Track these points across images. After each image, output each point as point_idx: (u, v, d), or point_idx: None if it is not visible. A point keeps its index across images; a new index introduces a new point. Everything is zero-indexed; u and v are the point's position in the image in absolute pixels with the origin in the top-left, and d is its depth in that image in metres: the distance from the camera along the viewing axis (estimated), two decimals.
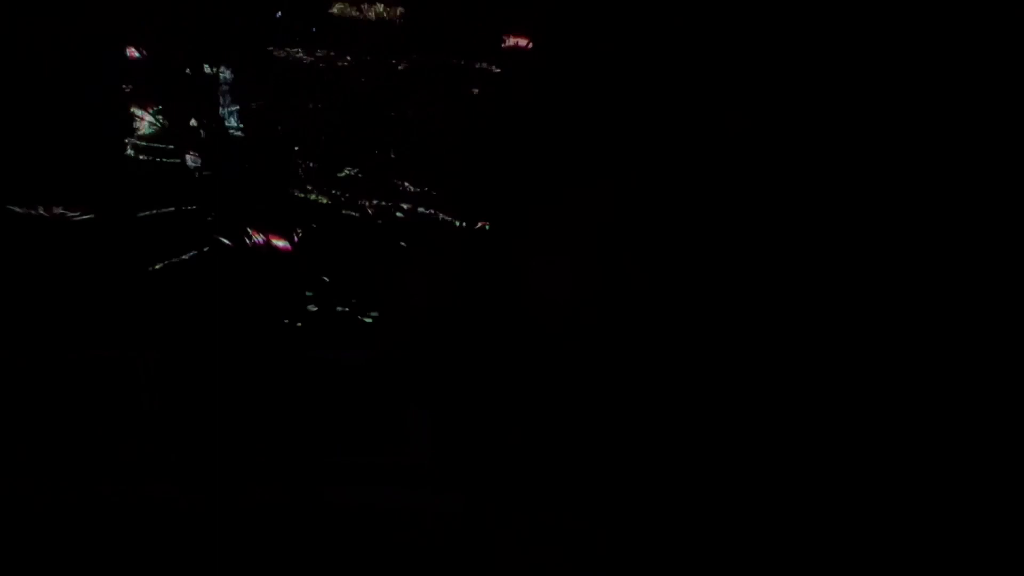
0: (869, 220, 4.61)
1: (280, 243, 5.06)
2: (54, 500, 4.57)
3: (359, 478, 4.68)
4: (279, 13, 5.20)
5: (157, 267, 4.99)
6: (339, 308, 5.01)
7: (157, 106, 5.18)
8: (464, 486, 4.62)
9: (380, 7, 5.21)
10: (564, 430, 4.66)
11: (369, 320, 4.99)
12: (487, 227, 5.03)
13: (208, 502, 4.55)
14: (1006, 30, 4.57)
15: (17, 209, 5.02)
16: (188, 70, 5.18)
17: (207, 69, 5.19)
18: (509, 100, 5.12)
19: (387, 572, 4.33)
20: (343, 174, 5.18)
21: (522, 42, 5.13)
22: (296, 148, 5.20)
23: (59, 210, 5.03)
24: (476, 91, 5.16)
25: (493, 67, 5.15)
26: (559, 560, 4.27)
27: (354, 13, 5.22)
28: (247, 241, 5.03)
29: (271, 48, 5.20)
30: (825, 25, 4.71)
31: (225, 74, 5.19)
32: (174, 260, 5.00)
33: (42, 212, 5.02)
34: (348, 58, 5.19)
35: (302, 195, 5.15)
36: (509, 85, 5.12)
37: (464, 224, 5.05)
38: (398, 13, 5.19)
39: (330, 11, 5.21)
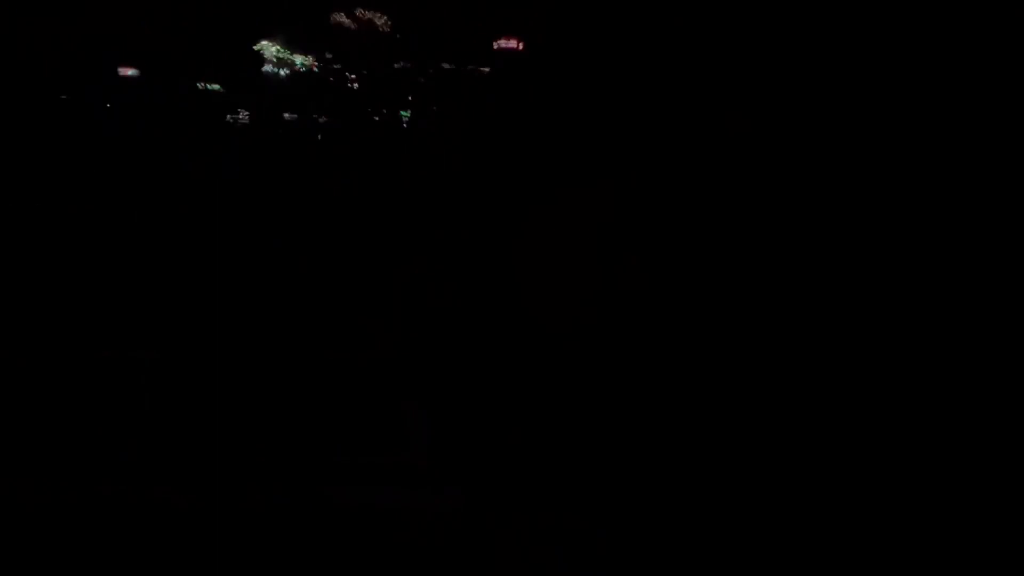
0: (868, 220, 4.61)
1: (280, 244, 5.06)
2: (55, 500, 4.57)
3: (359, 478, 4.68)
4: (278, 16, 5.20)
5: (157, 268, 4.99)
6: (339, 308, 5.01)
7: (158, 107, 5.18)
8: (464, 486, 4.62)
9: (379, 16, 5.22)
10: (564, 430, 4.66)
11: (369, 320, 4.99)
12: (487, 227, 5.03)
13: (208, 502, 4.54)
14: (1005, 30, 4.57)
15: (17, 210, 5.02)
16: (187, 71, 5.18)
17: (206, 70, 5.19)
18: (509, 101, 5.12)
19: (387, 572, 4.33)
20: (342, 174, 5.19)
21: (522, 43, 5.13)
22: (295, 149, 5.20)
23: (59, 211, 5.03)
24: (476, 91, 5.17)
25: (494, 67, 5.16)
26: (559, 560, 4.27)
27: (349, 22, 5.23)
28: (247, 242, 5.03)
29: (269, 47, 5.21)
30: (824, 27, 4.71)
31: (225, 76, 5.19)
32: (174, 261, 5.00)
33: (42, 213, 5.02)
34: (346, 59, 5.19)
35: (301, 195, 5.15)
36: (509, 86, 5.12)
37: (464, 224, 5.05)
38: (397, 17, 5.20)
39: (329, 15, 5.22)
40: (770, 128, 4.73)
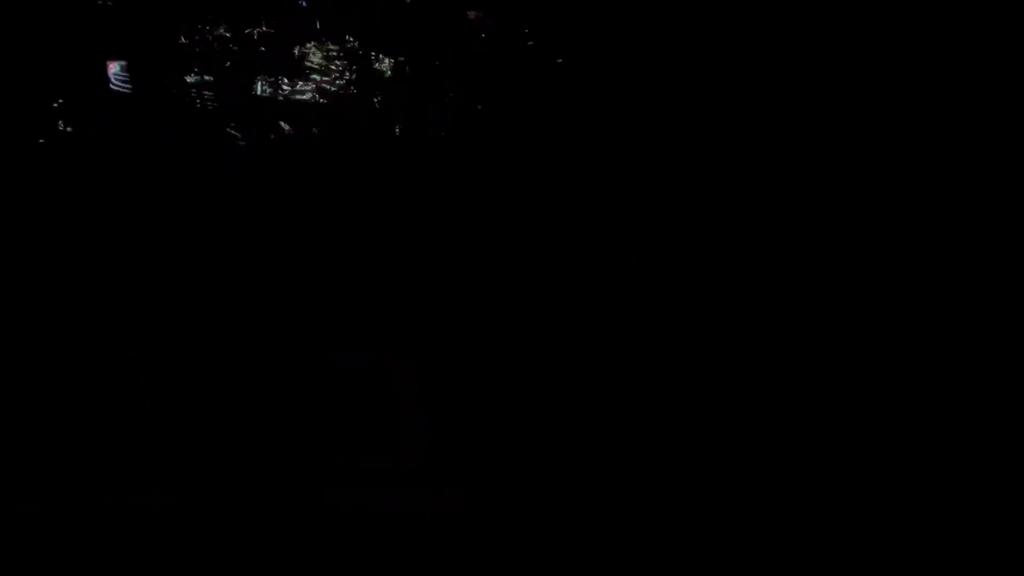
0: (870, 220, 4.61)
1: (280, 243, 5.05)
2: (54, 501, 4.56)
3: (359, 478, 4.67)
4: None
5: (157, 268, 4.99)
6: (339, 308, 5.00)
7: (157, 106, 5.18)
8: (464, 486, 4.62)
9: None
10: (564, 430, 4.66)
11: (369, 320, 4.99)
12: (487, 227, 5.02)
13: (208, 502, 4.54)
14: (1006, 30, 4.58)
15: (16, 210, 5.02)
16: (187, 69, 5.18)
17: (206, 68, 5.19)
18: (508, 99, 5.11)
19: (387, 572, 4.33)
20: (341, 173, 5.18)
21: (522, 42, 5.13)
22: (294, 148, 5.20)
23: (58, 211, 5.03)
24: (475, 89, 5.16)
25: (493, 65, 5.15)
26: (559, 560, 4.27)
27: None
28: (247, 242, 5.02)
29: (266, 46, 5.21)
30: (826, 25, 4.71)
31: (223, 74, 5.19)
32: (174, 261, 5.00)
33: (41, 213, 5.02)
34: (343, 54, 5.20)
35: (301, 195, 5.15)
36: (509, 84, 5.12)
37: (464, 224, 5.05)
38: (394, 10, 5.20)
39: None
40: (770, 128, 4.73)
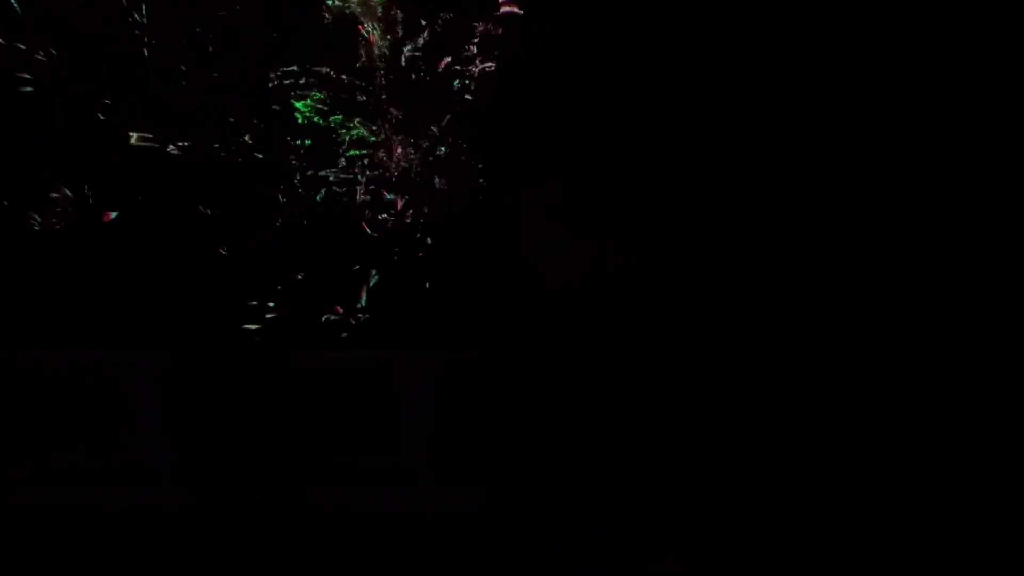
0: (868, 219, 4.61)
1: (280, 244, 5.06)
2: (54, 501, 4.57)
3: (359, 478, 4.68)
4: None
5: (158, 268, 4.99)
6: (339, 309, 5.01)
7: (158, 108, 5.18)
8: (464, 486, 4.62)
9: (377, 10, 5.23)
10: (564, 430, 4.66)
11: (368, 320, 4.99)
12: (487, 227, 5.03)
13: (208, 502, 4.55)
14: (1006, 30, 4.58)
15: (16, 211, 5.02)
16: (189, 71, 5.19)
17: (207, 69, 5.20)
18: (509, 102, 5.12)
19: (387, 572, 4.33)
20: (341, 176, 5.19)
21: (523, 43, 5.13)
22: (294, 148, 5.21)
23: (58, 212, 5.04)
24: (475, 92, 5.17)
25: (492, 66, 5.16)
26: (559, 560, 4.27)
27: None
28: (247, 242, 5.03)
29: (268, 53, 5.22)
30: (825, 26, 4.71)
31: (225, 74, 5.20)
32: (175, 261, 5.00)
33: (41, 214, 5.02)
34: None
35: (301, 196, 5.16)
36: (509, 86, 5.12)
37: (465, 225, 5.05)
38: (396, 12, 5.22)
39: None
40: (770, 128, 4.74)
